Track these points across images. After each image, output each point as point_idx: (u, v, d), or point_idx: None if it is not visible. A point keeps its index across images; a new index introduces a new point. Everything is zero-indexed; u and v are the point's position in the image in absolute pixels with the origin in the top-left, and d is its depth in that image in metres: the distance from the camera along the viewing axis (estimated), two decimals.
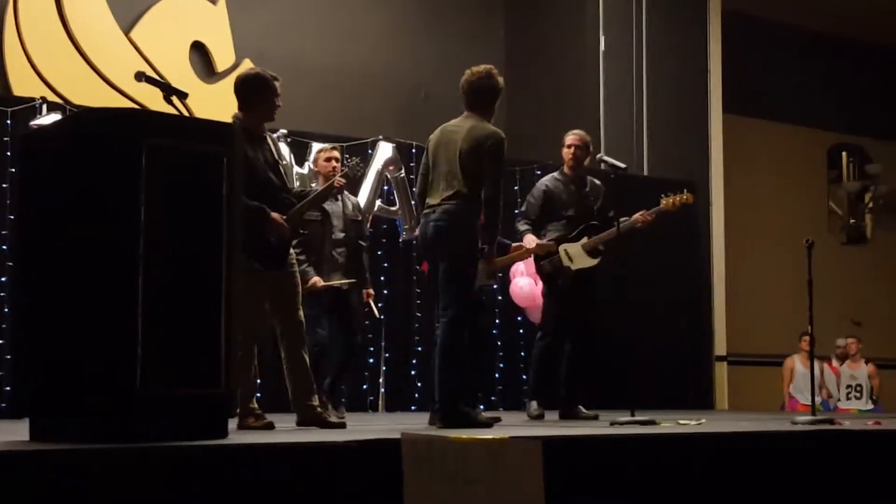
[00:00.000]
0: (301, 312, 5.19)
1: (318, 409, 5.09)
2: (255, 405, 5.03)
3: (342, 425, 5.00)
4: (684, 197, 6.72)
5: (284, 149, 7.92)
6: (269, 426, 4.92)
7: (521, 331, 8.93)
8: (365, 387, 8.34)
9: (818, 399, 7.93)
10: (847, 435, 5.24)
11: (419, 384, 8.49)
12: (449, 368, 5.17)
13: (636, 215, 6.54)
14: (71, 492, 3.07)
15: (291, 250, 5.22)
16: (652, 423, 5.33)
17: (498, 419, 5.68)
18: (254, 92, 5.12)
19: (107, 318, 3.61)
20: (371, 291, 6.95)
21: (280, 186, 5.17)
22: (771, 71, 11.56)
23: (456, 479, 3.18)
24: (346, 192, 6.54)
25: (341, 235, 6.59)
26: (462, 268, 5.24)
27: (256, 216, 4.95)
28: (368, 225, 8.32)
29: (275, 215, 5.03)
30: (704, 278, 10.21)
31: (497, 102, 5.47)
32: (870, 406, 10.25)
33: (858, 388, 10.32)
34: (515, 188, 8.92)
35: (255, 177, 5.01)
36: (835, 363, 10.68)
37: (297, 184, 7.89)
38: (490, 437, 3.25)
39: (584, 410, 6.45)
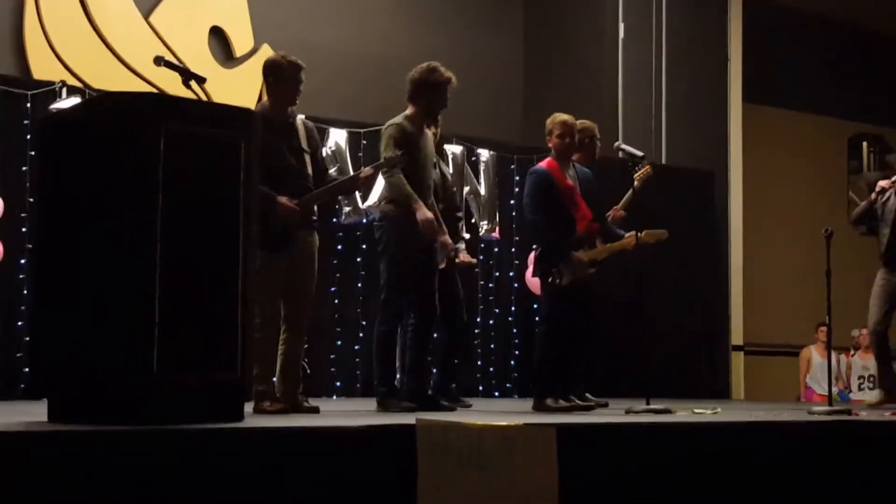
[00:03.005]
0: (309, 301, 5.23)
1: (300, 397, 5.14)
2: (277, 389, 5.06)
3: (315, 409, 5.05)
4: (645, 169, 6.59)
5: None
6: (285, 410, 4.95)
7: (536, 318, 8.93)
8: None
9: (835, 389, 7.90)
10: (864, 426, 5.22)
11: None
12: (377, 353, 5.69)
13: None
14: (87, 473, 3.09)
15: (317, 240, 5.25)
16: (667, 411, 5.33)
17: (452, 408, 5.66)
18: (271, 78, 5.18)
19: (124, 301, 3.63)
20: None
21: (300, 172, 5.18)
22: (791, 60, 11.48)
23: (470, 466, 3.19)
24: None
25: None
26: (391, 259, 5.60)
27: (262, 202, 4.96)
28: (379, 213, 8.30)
29: (283, 199, 5.03)
30: (722, 267, 10.17)
31: (437, 95, 5.67)
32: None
33: (871, 379, 10.28)
34: None
35: (275, 162, 5.03)
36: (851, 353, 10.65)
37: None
38: (505, 423, 3.25)
39: (590, 398, 6.43)
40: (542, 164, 5.94)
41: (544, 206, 5.78)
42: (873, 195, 7.23)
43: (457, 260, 6.37)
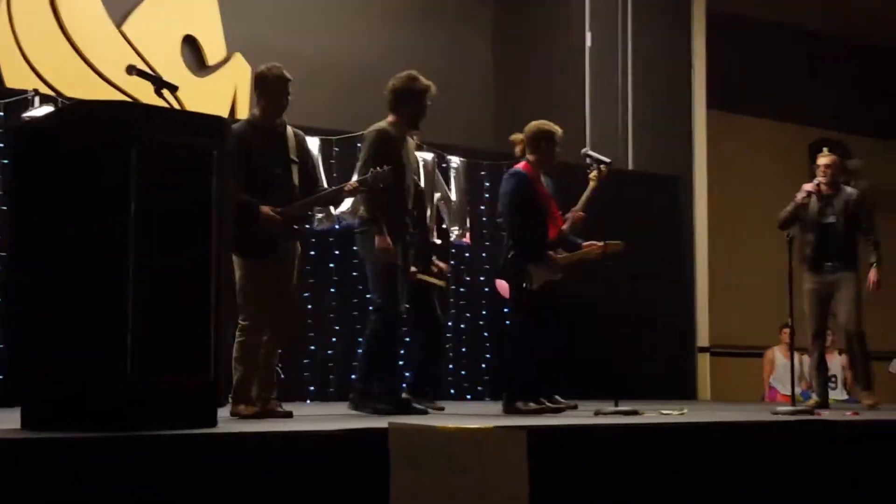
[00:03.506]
0: (289, 307, 5.29)
1: (273, 402, 5.18)
2: (254, 393, 5.10)
3: (289, 414, 5.07)
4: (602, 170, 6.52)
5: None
6: (259, 415, 4.99)
7: (507, 322, 8.99)
8: None
9: (798, 389, 8.01)
10: (826, 425, 5.33)
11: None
12: (366, 350, 5.71)
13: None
14: (62, 480, 3.10)
15: (299, 248, 5.31)
16: (635, 413, 5.41)
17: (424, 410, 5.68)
18: (258, 89, 5.29)
19: (97, 307, 3.66)
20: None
21: (286, 181, 5.23)
22: (754, 67, 11.62)
23: (442, 468, 3.24)
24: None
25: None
26: (377, 266, 5.57)
27: (246, 210, 5.02)
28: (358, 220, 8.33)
29: (265, 209, 5.09)
30: (688, 271, 10.28)
31: (418, 104, 5.68)
32: (844, 396, 10.33)
33: (833, 379, 10.40)
34: None
35: (262, 171, 5.10)
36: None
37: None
38: (476, 426, 3.32)
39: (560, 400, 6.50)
40: (521, 168, 6.01)
41: (524, 208, 5.86)
42: (798, 198, 7.26)
43: (421, 276, 6.44)
